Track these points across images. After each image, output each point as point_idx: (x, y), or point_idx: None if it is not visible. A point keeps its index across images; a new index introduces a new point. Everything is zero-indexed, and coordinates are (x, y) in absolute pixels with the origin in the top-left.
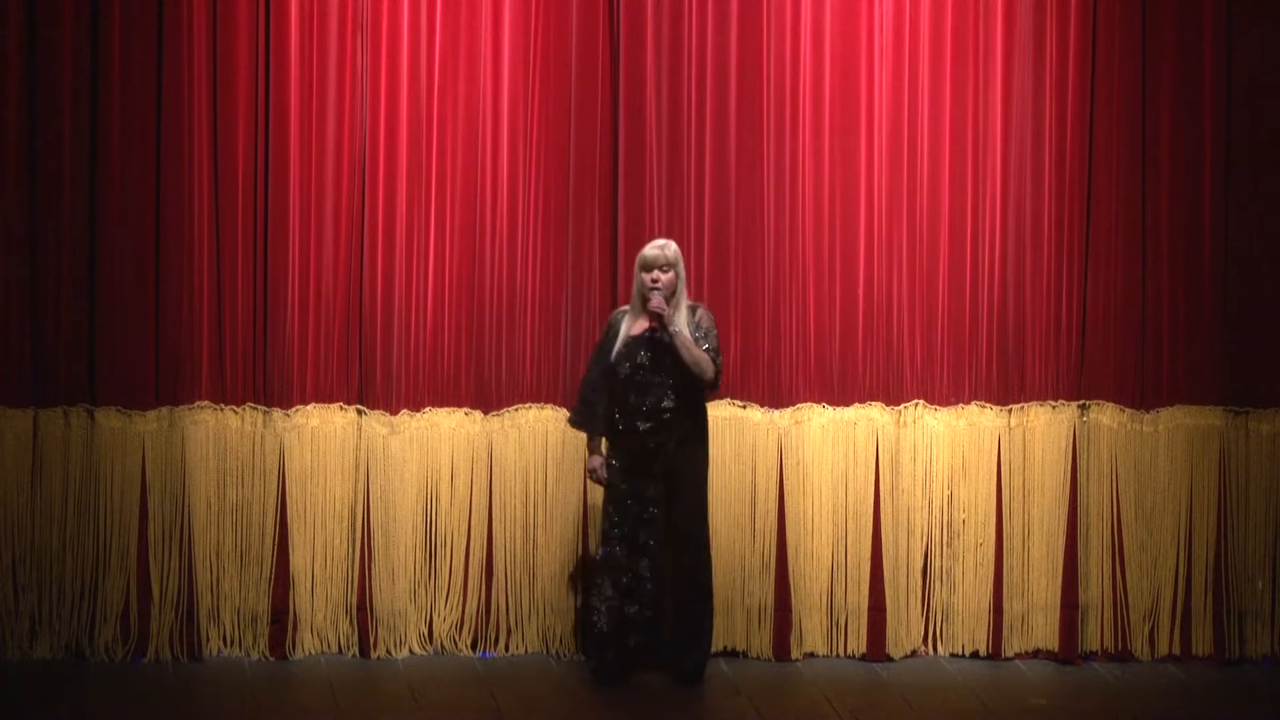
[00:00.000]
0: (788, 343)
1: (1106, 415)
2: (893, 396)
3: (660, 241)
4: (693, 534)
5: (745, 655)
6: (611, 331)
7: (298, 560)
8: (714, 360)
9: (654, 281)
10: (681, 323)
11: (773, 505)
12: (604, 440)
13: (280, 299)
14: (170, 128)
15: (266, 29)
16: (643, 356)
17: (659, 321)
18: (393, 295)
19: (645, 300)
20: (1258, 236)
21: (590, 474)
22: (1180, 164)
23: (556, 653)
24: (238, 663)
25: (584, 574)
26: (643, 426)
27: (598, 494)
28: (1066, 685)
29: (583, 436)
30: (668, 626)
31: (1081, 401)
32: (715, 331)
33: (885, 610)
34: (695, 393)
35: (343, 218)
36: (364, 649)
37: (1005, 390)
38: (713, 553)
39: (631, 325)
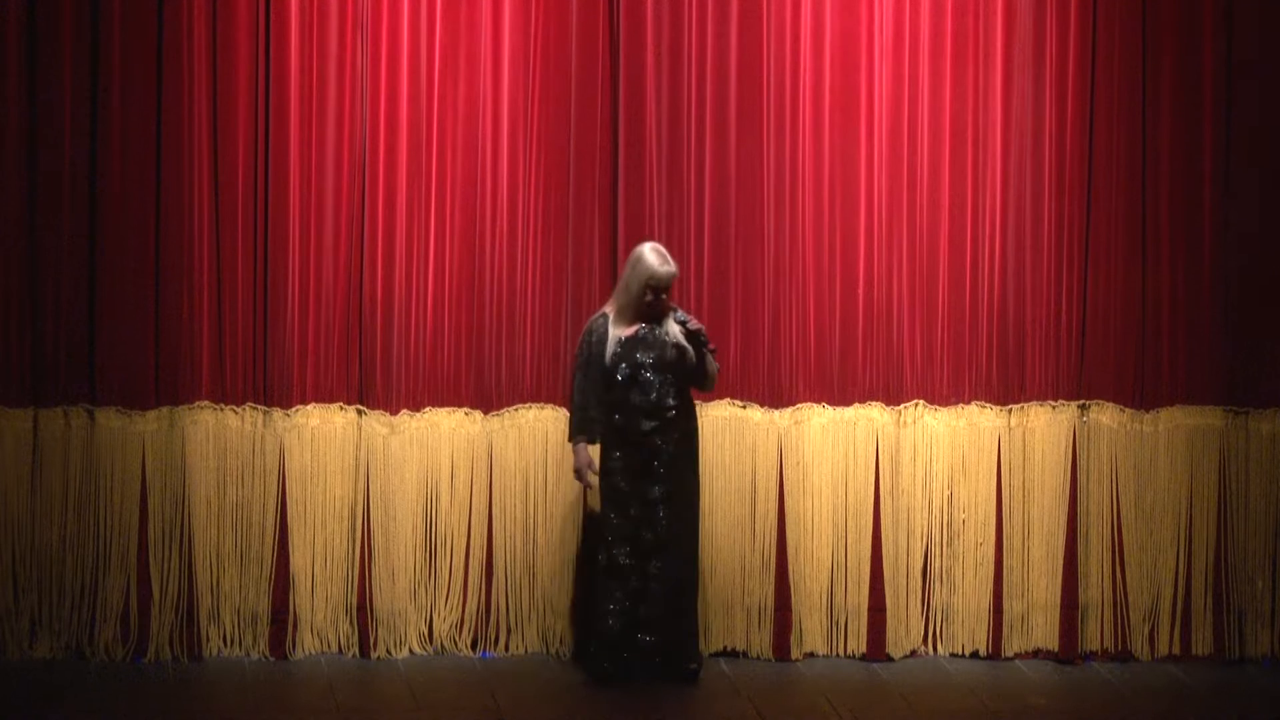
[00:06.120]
0: (788, 343)
1: (1106, 415)
2: (893, 396)
3: (663, 252)
4: (685, 539)
5: (745, 655)
6: (594, 338)
7: (298, 560)
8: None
9: (665, 297)
10: (674, 329)
11: (773, 505)
12: (590, 444)
13: (280, 299)
14: (170, 128)
15: (266, 29)
16: (641, 356)
17: (695, 340)
18: (393, 295)
19: (646, 309)
20: (1257, 236)
21: (576, 474)
22: (1180, 164)
23: (556, 653)
24: (238, 663)
25: (584, 574)
26: (647, 425)
27: (597, 494)
28: (1066, 685)
29: None
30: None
31: (1081, 401)
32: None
33: (885, 610)
34: (689, 391)
35: (343, 218)
36: (364, 649)
37: (1005, 390)
38: (713, 553)
39: (624, 328)
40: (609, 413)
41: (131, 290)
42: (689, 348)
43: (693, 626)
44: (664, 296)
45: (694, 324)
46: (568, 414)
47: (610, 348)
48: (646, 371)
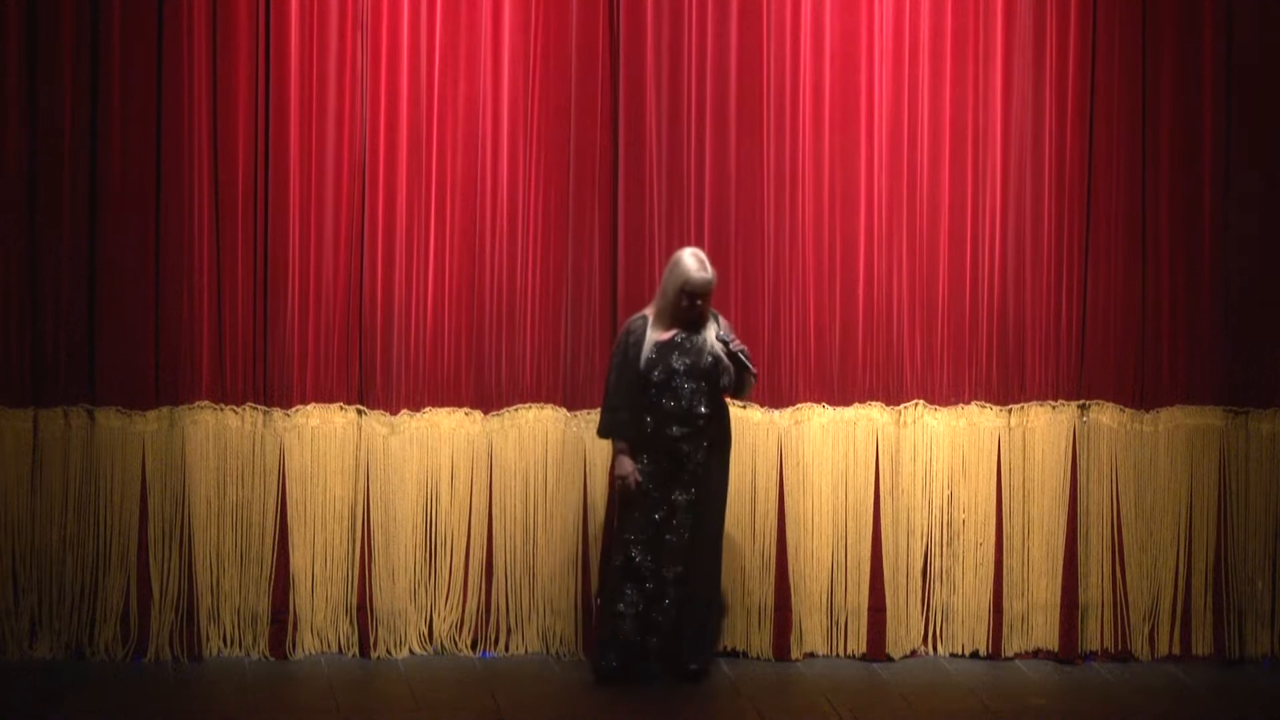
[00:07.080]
0: (788, 343)
1: (1106, 415)
2: (893, 396)
3: (703, 258)
4: (712, 541)
5: (745, 655)
6: (632, 338)
7: (298, 560)
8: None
9: (703, 304)
10: (712, 336)
11: (773, 505)
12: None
13: (280, 299)
14: (170, 128)
15: (266, 29)
16: (676, 361)
17: (737, 360)
18: (393, 295)
19: (683, 314)
20: (1257, 236)
21: (619, 480)
22: (1180, 164)
23: (556, 653)
24: (238, 663)
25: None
26: (677, 431)
27: (598, 494)
28: (1066, 685)
29: (583, 435)
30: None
31: (1081, 401)
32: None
33: (885, 610)
34: (722, 397)
35: (343, 218)
36: (364, 649)
37: (1005, 390)
38: None
39: (661, 331)
40: (640, 416)
41: (131, 290)
42: (725, 359)
43: (712, 633)
44: (701, 303)
45: (736, 344)
46: (600, 410)
47: (646, 351)
48: (680, 378)
